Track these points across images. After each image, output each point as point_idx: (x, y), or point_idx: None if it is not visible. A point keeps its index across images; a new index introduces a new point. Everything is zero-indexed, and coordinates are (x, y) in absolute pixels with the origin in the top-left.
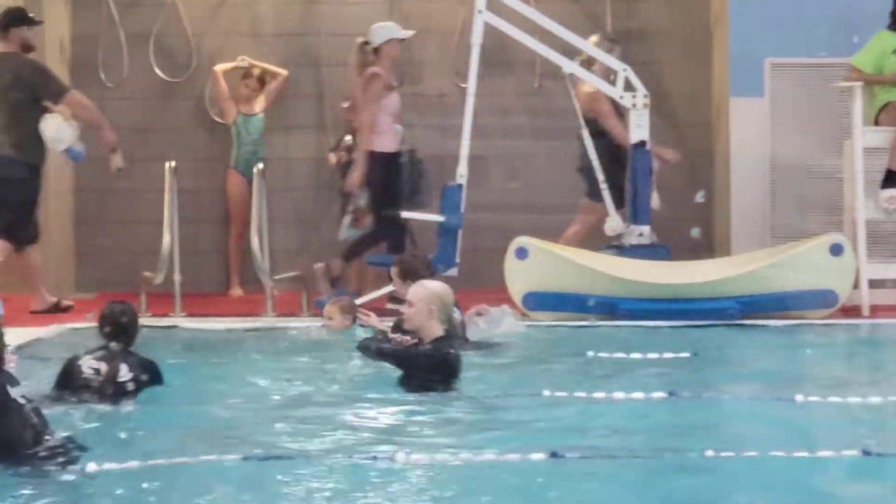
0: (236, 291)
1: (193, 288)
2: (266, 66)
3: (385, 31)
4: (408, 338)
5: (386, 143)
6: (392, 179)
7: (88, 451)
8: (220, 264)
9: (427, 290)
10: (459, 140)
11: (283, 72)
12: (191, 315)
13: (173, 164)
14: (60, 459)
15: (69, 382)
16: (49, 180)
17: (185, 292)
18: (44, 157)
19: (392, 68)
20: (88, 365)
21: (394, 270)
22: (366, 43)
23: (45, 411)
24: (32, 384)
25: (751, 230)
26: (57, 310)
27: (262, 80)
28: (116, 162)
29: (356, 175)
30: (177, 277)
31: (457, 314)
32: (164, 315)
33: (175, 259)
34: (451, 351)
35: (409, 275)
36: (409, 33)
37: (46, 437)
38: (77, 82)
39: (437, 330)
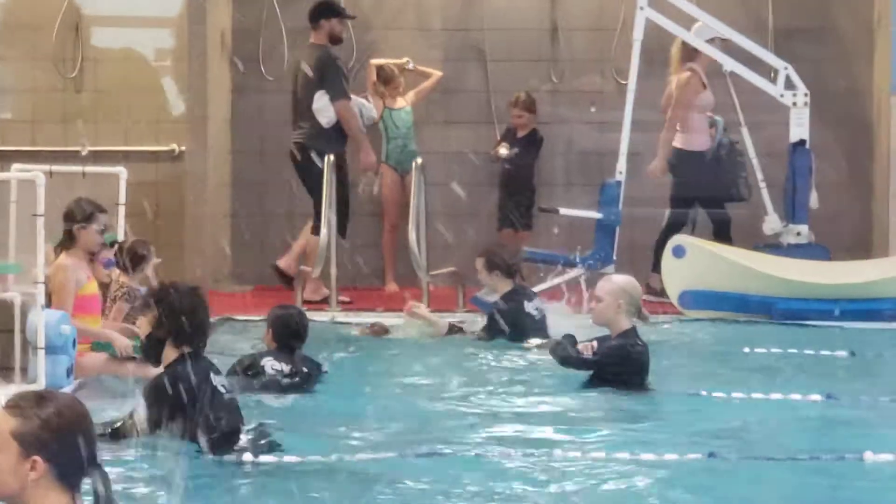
0: (392, 286)
1: (349, 282)
2: (425, 69)
3: (709, 30)
4: (594, 343)
5: (698, 140)
6: (701, 177)
7: (278, 443)
8: (376, 258)
9: (614, 285)
10: (618, 136)
11: (438, 73)
12: (346, 309)
13: (332, 157)
14: (253, 448)
15: (253, 380)
16: (207, 173)
17: (340, 286)
18: (328, 145)
19: (708, 67)
20: (271, 366)
21: (480, 262)
22: None
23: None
24: None
25: None
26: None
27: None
28: (367, 182)
29: (657, 165)
30: (333, 271)
31: (537, 305)
32: (320, 309)
33: (332, 253)
34: (638, 344)
35: (496, 267)
36: (732, 35)
37: (240, 427)
38: (237, 75)
39: (625, 323)
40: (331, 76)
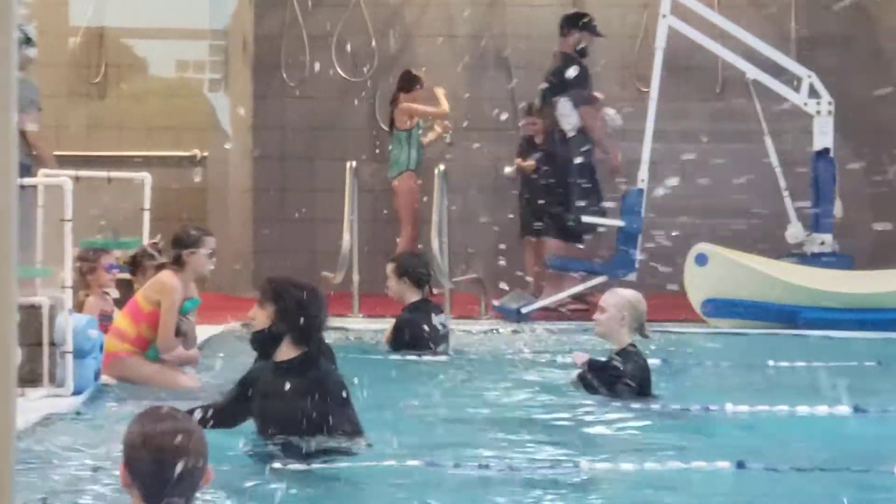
0: None
1: (371, 288)
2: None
3: None
4: (585, 355)
5: None
6: None
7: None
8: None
9: (620, 297)
10: (639, 144)
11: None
12: (369, 315)
13: (353, 163)
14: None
15: None
16: (229, 179)
17: (363, 292)
18: (571, 152)
19: None
20: None
21: (390, 267)
22: None
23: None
24: (222, 376)
25: None
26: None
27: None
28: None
29: None
30: (355, 277)
31: (443, 320)
32: (342, 315)
33: (354, 259)
34: (643, 359)
35: (405, 274)
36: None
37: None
38: (259, 81)
39: (626, 338)
40: (574, 82)
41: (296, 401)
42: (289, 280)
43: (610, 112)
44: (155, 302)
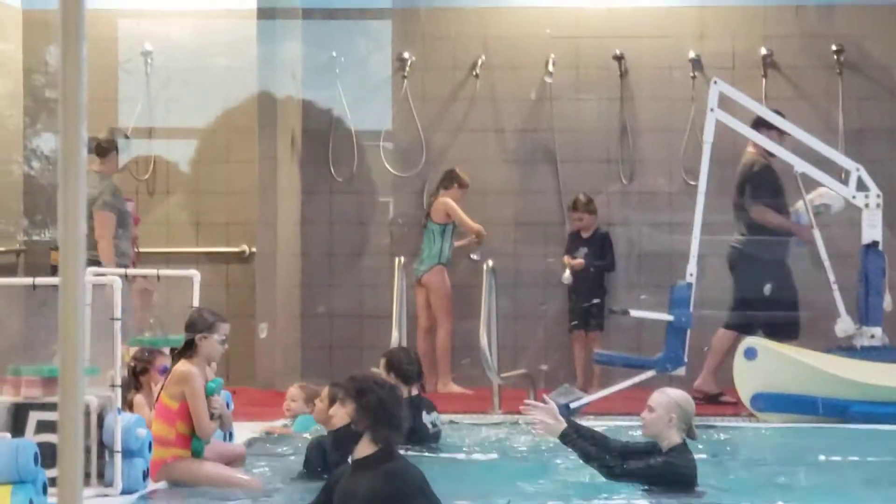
0: (451, 388)
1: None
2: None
3: None
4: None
5: None
6: None
7: None
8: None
9: (669, 398)
10: (687, 238)
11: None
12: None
13: (402, 259)
14: None
15: (314, 465)
16: (277, 274)
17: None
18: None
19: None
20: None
21: (382, 361)
22: None
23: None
24: (279, 469)
25: None
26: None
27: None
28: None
29: None
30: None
31: (434, 418)
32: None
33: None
34: (685, 465)
35: (392, 369)
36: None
37: None
38: (307, 177)
39: (676, 438)
40: (753, 179)
41: (369, 494)
42: (371, 378)
43: (829, 193)
44: (179, 395)
